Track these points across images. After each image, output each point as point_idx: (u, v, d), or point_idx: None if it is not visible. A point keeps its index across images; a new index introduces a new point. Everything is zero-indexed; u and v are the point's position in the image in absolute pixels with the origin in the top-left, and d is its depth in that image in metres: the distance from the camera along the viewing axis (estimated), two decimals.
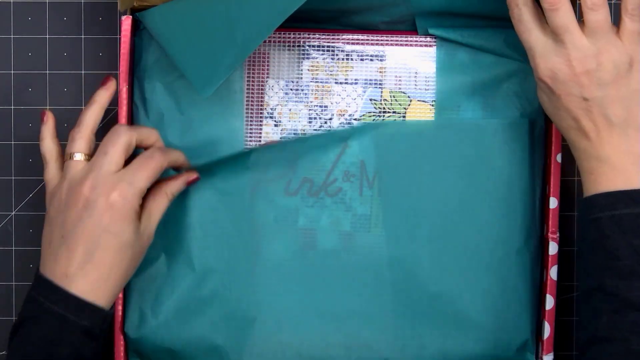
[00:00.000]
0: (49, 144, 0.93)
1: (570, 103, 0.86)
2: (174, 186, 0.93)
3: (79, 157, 0.90)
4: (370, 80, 0.98)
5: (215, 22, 0.90)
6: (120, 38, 0.97)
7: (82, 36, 1.05)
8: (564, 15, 0.85)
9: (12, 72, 1.04)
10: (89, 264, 0.86)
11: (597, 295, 0.85)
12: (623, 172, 0.86)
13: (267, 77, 0.99)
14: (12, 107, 1.05)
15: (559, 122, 0.89)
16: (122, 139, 0.89)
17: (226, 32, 0.89)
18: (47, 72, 1.04)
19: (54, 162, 0.92)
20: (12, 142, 1.05)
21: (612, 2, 1.05)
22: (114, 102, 1.02)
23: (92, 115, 0.92)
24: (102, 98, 0.93)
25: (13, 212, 1.05)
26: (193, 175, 0.95)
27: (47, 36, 1.05)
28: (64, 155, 0.91)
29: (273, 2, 0.87)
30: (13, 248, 1.05)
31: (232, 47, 0.88)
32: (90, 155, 0.90)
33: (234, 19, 0.89)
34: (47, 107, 1.04)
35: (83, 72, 1.05)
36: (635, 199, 0.85)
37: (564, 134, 0.89)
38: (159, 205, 0.92)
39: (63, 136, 1.03)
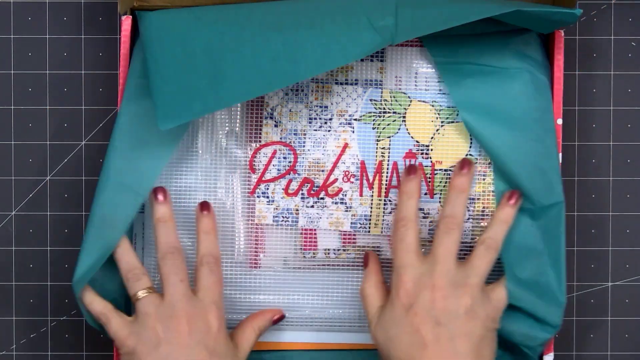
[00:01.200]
0: (100, 303, 0.93)
1: (423, 324, 0.88)
2: (261, 322, 0.97)
3: (145, 293, 0.91)
4: (371, 80, 0.98)
5: (204, 60, 0.89)
6: (120, 38, 0.97)
7: (82, 36, 1.05)
8: (454, 242, 0.92)
9: (12, 72, 1.04)
10: None
11: None
12: None
13: None
14: (12, 107, 1.05)
15: (403, 350, 0.89)
16: (180, 260, 0.92)
17: (211, 75, 0.89)
18: (47, 72, 1.04)
19: (114, 313, 0.92)
20: (12, 142, 1.05)
21: (612, 2, 1.05)
22: (114, 102, 1.03)
23: (129, 255, 0.93)
24: (127, 242, 0.94)
25: (13, 212, 1.05)
26: (278, 314, 0.98)
27: (47, 36, 1.05)
28: (132, 298, 0.92)
29: (264, 68, 0.88)
30: (13, 248, 1.05)
31: (209, 95, 0.88)
32: (152, 289, 0.92)
33: (222, 65, 0.89)
34: (47, 107, 1.04)
35: (83, 72, 1.05)
36: None
37: None
38: (248, 338, 0.95)
39: (63, 135, 1.04)
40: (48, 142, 1.05)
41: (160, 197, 0.94)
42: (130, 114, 0.93)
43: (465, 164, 0.94)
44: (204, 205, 0.95)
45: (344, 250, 0.98)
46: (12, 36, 1.04)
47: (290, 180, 0.98)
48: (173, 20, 0.93)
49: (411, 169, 0.94)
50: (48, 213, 1.05)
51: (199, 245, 0.94)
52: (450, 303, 0.89)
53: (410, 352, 0.88)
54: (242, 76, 0.88)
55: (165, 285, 0.91)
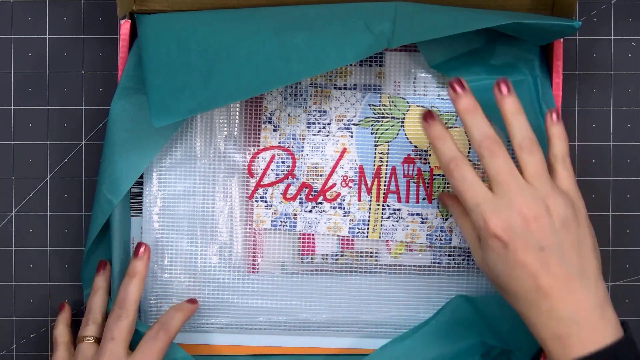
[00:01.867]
0: (62, 330, 0.98)
1: (527, 256, 0.83)
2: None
3: (90, 340, 0.94)
4: (369, 85, 0.98)
5: (198, 58, 0.90)
6: (119, 40, 0.97)
7: (82, 36, 1.05)
8: (504, 160, 0.84)
9: (12, 72, 1.04)
10: None
11: None
12: (594, 330, 0.82)
13: None
14: (12, 107, 1.05)
15: (514, 285, 0.84)
16: (125, 321, 0.93)
17: (203, 72, 0.89)
18: (47, 72, 1.04)
19: (64, 346, 0.97)
20: (12, 142, 1.05)
21: (612, 2, 1.05)
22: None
23: (98, 301, 0.96)
24: (102, 283, 0.97)
25: (13, 212, 1.05)
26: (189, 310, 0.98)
27: (47, 36, 1.05)
28: (77, 339, 0.95)
29: (257, 69, 0.88)
30: (13, 248, 1.05)
31: (201, 92, 0.88)
32: (99, 339, 0.94)
33: (216, 64, 0.89)
34: (47, 107, 1.04)
35: (83, 72, 1.04)
36: (611, 356, 0.82)
37: (519, 303, 0.85)
38: None
39: (63, 136, 1.04)
40: (48, 142, 1.05)
41: (140, 252, 0.96)
42: (115, 116, 0.95)
43: (455, 84, 0.86)
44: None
45: (342, 255, 0.99)
46: (12, 36, 1.04)
47: (288, 185, 0.98)
48: (170, 21, 0.94)
49: (427, 115, 0.87)
50: (48, 213, 1.05)
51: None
52: (543, 222, 0.83)
53: (522, 285, 0.83)
54: (237, 76, 0.88)
55: (102, 337, 0.94)
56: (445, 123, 0.97)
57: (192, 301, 0.98)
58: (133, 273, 0.95)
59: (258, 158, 0.98)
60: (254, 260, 0.99)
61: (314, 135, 0.98)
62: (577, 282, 0.83)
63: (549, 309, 0.83)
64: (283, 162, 0.98)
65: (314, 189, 0.98)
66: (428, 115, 0.87)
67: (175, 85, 0.89)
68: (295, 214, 0.98)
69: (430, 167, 0.98)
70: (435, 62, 0.96)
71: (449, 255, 0.99)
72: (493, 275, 0.86)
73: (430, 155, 0.98)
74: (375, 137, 0.98)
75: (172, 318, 0.95)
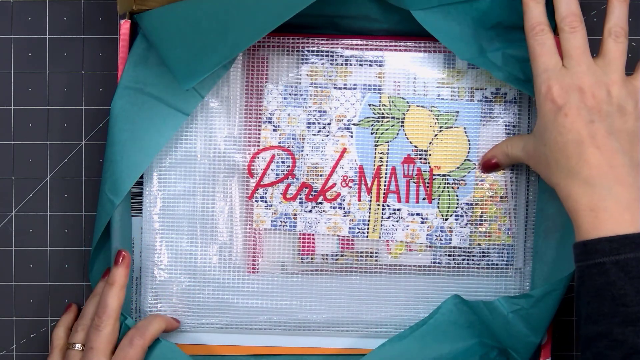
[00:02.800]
0: (60, 332, 0.99)
1: (576, 123, 0.85)
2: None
3: (78, 347, 0.95)
4: (369, 85, 0.98)
5: (210, 22, 0.90)
6: (119, 40, 0.97)
7: (82, 36, 1.05)
8: (582, 38, 0.87)
9: (12, 72, 1.04)
10: None
11: (602, 341, 0.82)
12: (629, 210, 0.83)
13: (266, 82, 0.98)
14: (12, 107, 1.05)
15: (558, 152, 0.86)
16: (104, 331, 0.94)
17: (219, 32, 0.90)
18: (47, 72, 1.04)
19: (58, 350, 0.98)
20: (12, 142, 1.05)
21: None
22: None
23: (92, 308, 0.97)
24: (100, 290, 0.97)
25: (13, 212, 1.05)
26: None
27: (47, 36, 1.04)
28: (68, 344, 0.97)
29: (269, 8, 0.88)
30: (13, 248, 1.05)
31: (221, 46, 0.89)
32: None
33: (229, 20, 0.89)
34: (47, 107, 1.04)
35: (83, 72, 1.04)
36: None
37: (559, 172, 0.86)
38: None
39: (63, 136, 1.04)
40: (48, 142, 1.05)
41: (119, 261, 0.96)
42: (115, 116, 0.95)
43: None
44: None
45: (342, 255, 0.99)
46: (12, 36, 1.04)
47: (288, 185, 0.98)
48: (173, 7, 0.93)
49: None
50: (48, 213, 1.05)
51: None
52: (601, 101, 0.86)
53: (565, 151, 0.85)
54: (248, 18, 0.89)
55: (85, 346, 0.95)
56: (445, 123, 0.97)
57: (176, 320, 0.99)
58: (112, 281, 0.95)
59: (258, 158, 0.98)
60: (254, 260, 0.99)
61: (314, 135, 0.98)
62: (620, 160, 0.84)
63: (587, 178, 0.84)
64: (283, 162, 0.98)
65: (314, 189, 0.98)
66: None
67: (194, 50, 0.90)
68: (295, 214, 0.98)
69: (430, 167, 0.98)
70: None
71: (449, 255, 0.99)
72: (539, 148, 0.88)
73: (430, 155, 0.98)
74: (375, 137, 0.98)
75: (150, 324, 0.95)
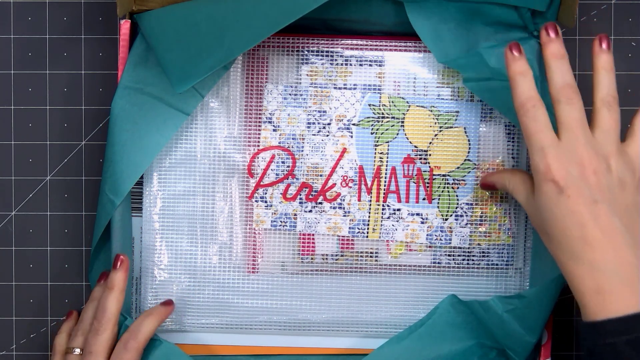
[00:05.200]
0: (63, 339, 0.99)
1: (579, 205, 0.82)
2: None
3: (77, 351, 0.95)
4: (369, 85, 0.98)
5: (208, 26, 0.90)
6: (119, 40, 0.97)
7: (82, 36, 1.05)
8: (579, 110, 0.85)
9: (12, 72, 1.04)
10: None
11: None
12: (634, 289, 0.81)
13: (266, 82, 0.99)
14: (12, 107, 1.05)
15: (560, 233, 0.83)
16: (103, 335, 0.93)
17: (216, 35, 0.90)
18: (47, 72, 1.04)
19: (60, 355, 0.97)
20: (12, 142, 1.05)
21: (612, 2, 1.05)
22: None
23: (91, 312, 0.96)
24: (99, 294, 0.97)
25: (13, 212, 1.05)
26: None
27: (47, 36, 1.05)
28: (67, 348, 0.97)
29: (267, 14, 0.88)
30: (13, 248, 1.05)
31: (217, 50, 0.89)
32: None
33: (226, 25, 0.90)
34: (47, 107, 1.04)
35: (83, 72, 1.04)
36: None
37: (562, 252, 0.84)
38: None
39: (63, 136, 1.04)
40: (48, 142, 1.05)
41: (117, 264, 0.95)
42: (115, 116, 0.95)
43: (549, 28, 0.86)
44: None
45: (342, 255, 0.99)
46: (12, 36, 1.04)
47: (288, 185, 0.98)
48: (172, 8, 0.94)
49: (514, 47, 0.85)
50: (48, 213, 1.05)
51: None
52: (601, 177, 0.83)
53: (568, 233, 0.82)
54: (246, 23, 0.89)
55: (83, 350, 0.95)
56: (445, 123, 0.97)
57: (168, 303, 0.99)
58: (112, 285, 0.94)
59: (258, 158, 0.98)
60: (254, 260, 0.99)
61: (314, 135, 0.98)
62: (623, 240, 0.82)
63: (591, 261, 0.82)
64: (283, 162, 0.98)
65: (314, 189, 0.98)
66: (515, 47, 0.86)
67: (191, 53, 0.90)
68: (295, 214, 0.98)
69: (430, 167, 0.98)
70: (445, 59, 0.96)
71: (449, 255, 0.99)
72: (541, 223, 0.86)
73: (430, 155, 0.98)
74: (375, 137, 0.98)
75: (141, 325, 0.95)
